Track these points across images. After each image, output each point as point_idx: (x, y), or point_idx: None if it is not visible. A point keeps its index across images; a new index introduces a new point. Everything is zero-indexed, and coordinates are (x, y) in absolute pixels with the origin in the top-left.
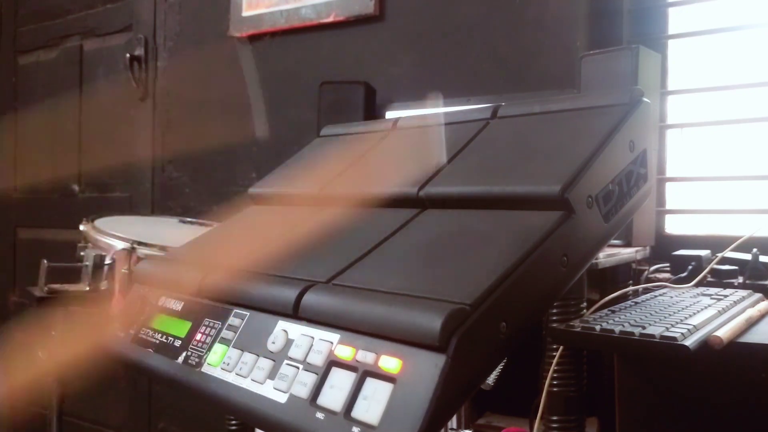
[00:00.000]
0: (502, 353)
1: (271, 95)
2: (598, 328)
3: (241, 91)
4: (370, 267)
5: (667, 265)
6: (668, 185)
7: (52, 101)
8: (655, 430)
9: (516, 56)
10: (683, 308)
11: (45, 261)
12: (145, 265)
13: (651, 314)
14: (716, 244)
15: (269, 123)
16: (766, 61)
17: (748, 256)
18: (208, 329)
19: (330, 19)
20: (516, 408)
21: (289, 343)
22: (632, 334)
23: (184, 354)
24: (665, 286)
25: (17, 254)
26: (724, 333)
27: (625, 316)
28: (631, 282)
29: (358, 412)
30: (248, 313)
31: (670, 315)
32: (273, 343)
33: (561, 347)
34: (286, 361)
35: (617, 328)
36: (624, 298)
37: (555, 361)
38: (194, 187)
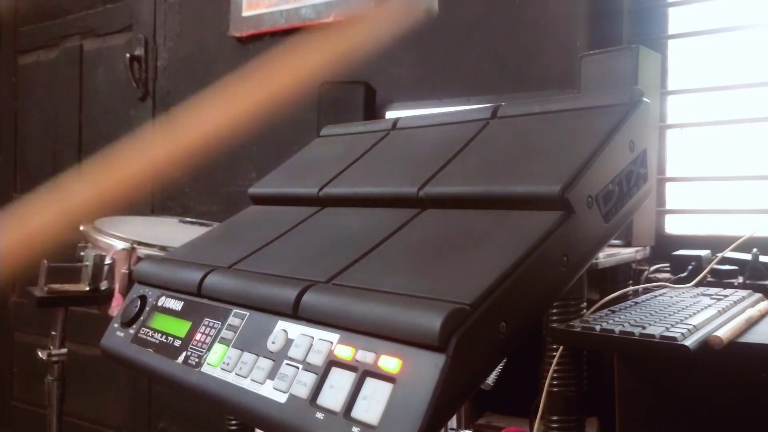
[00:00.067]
0: (502, 353)
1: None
2: (598, 328)
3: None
4: (370, 267)
5: (667, 265)
6: (668, 185)
7: (52, 101)
8: (655, 430)
9: (516, 56)
10: (683, 308)
11: (45, 261)
12: (145, 265)
13: (651, 314)
14: (716, 244)
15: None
16: (766, 61)
17: (748, 256)
18: (208, 329)
19: (330, 19)
20: (516, 408)
21: (288, 343)
22: (632, 334)
23: (183, 354)
24: (665, 286)
25: None
26: (724, 333)
27: (625, 316)
28: (631, 282)
29: (357, 412)
30: (248, 313)
31: (670, 315)
32: (273, 343)
33: (561, 347)
34: (285, 361)
35: (617, 328)
36: (624, 298)
37: (555, 361)
38: (194, 187)
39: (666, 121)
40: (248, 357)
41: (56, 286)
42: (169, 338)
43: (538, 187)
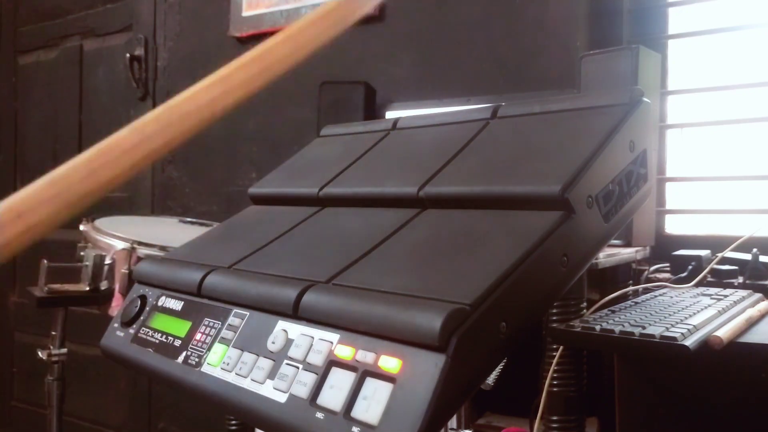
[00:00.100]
0: (502, 353)
1: (271, 95)
2: (598, 328)
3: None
4: (370, 267)
5: (667, 265)
6: (668, 185)
7: (52, 101)
8: (655, 430)
9: (516, 56)
10: (683, 308)
11: (45, 261)
12: (145, 265)
13: (651, 314)
14: (716, 244)
15: (269, 123)
16: (766, 61)
17: (748, 256)
18: (208, 329)
19: None
20: (516, 408)
21: (288, 342)
22: (632, 334)
23: (183, 354)
24: (665, 286)
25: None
26: (724, 333)
27: (625, 316)
28: (631, 282)
29: (357, 412)
30: (248, 313)
31: (670, 315)
32: (273, 343)
33: (561, 347)
34: (285, 361)
35: (617, 328)
36: (624, 298)
37: (555, 361)
38: (194, 187)
39: (666, 121)
40: (248, 357)
41: (56, 286)
42: (169, 338)
43: (538, 187)
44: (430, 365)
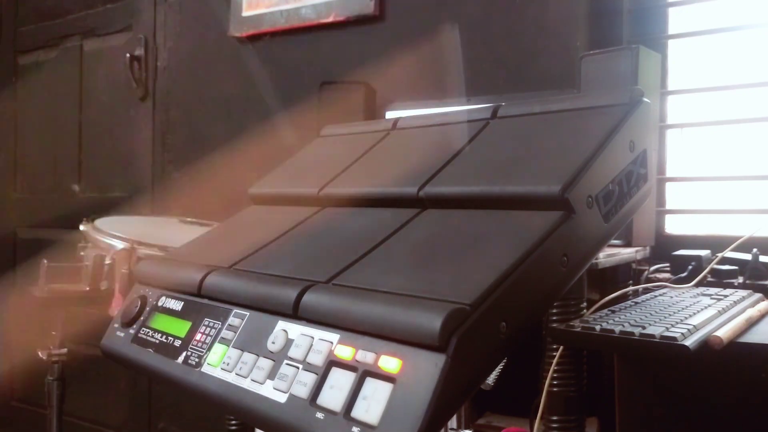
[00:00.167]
0: (502, 353)
1: (271, 95)
2: (598, 328)
3: (241, 91)
4: (370, 267)
5: (667, 265)
6: (668, 185)
7: (52, 101)
8: (655, 430)
9: (516, 56)
10: (683, 308)
11: (45, 261)
12: (145, 265)
13: (651, 314)
14: (716, 244)
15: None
16: (766, 61)
17: (748, 256)
18: (208, 329)
19: (330, 19)
20: (516, 408)
21: (288, 343)
22: (632, 334)
23: (184, 354)
24: (665, 286)
25: (17, 254)
26: (724, 333)
27: (625, 316)
28: (631, 282)
29: (357, 412)
30: (248, 313)
31: (670, 315)
32: (273, 343)
33: (561, 347)
34: (285, 361)
35: (617, 328)
36: (624, 298)
37: (555, 361)
38: (194, 187)
39: (666, 121)
40: (248, 357)
41: (56, 286)
42: (169, 338)
43: (539, 187)
44: (430, 365)
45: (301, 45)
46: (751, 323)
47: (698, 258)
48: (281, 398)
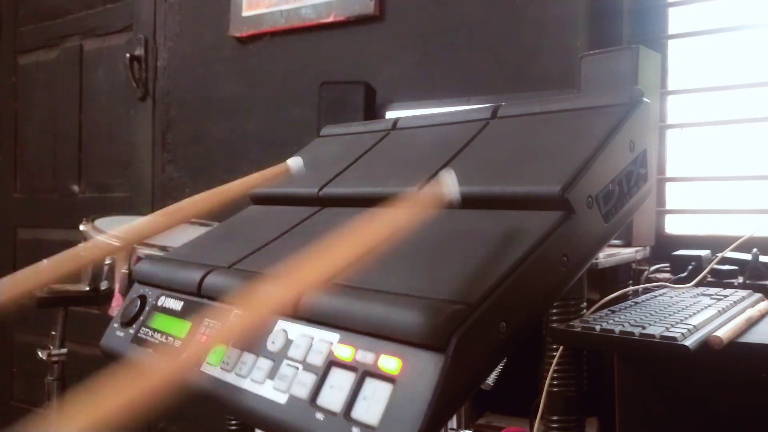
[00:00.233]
0: (502, 353)
1: (271, 95)
2: (598, 328)
3: (241, 91)
4: (370, 267)
5: (667, 265)
6: (668, 185)
7: (52, 101)
8: (655, 430)
9: (516, 56)
10: (683, 308)
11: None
12: (145, 265)
13: (651, 314)
14: (716, 244)
15: (269, 123)
16: (766, 61)
17: (748, 256)
18: (208, 329)
19: (330, 19)
20: (516, 408)
21: (288, 343)
22: (632, 334)
23: (183, 354)
24: (665, 286)
25: (17, 254)
26: (724, 333)
27: (625, 316)
28: (631, 282)
29: (357, 413)
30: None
31: (670, 315)
32: (272, 343)
33: (561, 347)
34: (285, 361)
35: (617, 328)
36: (624, 298)
37: (555, 361)
38: (194, 187)
39: (666, 121)
40: (248, 357)
41: (56, 286)
42: (169, 338)
43: (538, 187)
44: (430, 365)
45: (301, 45)
46: (751, 323)
47: (698, 258)
48: (281, 398)
